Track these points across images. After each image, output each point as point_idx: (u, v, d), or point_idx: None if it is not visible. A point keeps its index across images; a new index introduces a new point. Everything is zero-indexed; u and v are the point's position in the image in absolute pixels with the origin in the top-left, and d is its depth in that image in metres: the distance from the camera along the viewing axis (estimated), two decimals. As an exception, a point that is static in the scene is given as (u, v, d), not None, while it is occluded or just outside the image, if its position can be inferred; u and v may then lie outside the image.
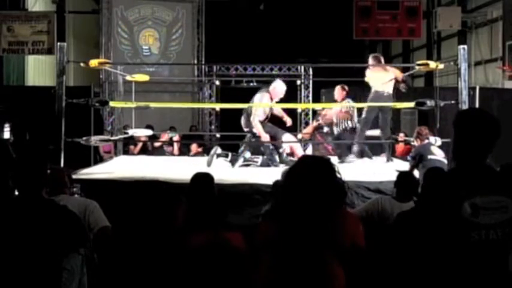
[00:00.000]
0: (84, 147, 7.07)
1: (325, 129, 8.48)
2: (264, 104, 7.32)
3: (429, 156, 6.14)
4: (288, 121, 7.59)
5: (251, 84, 13.37)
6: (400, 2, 14.03)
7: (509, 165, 3.80)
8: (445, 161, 6.04)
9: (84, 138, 6.58)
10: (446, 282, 2.07)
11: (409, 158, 6.82)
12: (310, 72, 13.12)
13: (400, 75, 7.80)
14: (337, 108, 7.94)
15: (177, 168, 7.07)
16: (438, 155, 6.19)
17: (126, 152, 9.56)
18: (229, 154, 7.21)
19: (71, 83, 13.09)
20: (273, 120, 7.55)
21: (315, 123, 9.12)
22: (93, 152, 9.05)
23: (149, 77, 9.00)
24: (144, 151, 9.99)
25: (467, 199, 2.03)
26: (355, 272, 2.50)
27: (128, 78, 8.62)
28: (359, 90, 9.07)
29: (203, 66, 13.66)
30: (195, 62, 13.60)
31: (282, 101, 7.65)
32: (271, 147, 7.25)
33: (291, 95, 12.57)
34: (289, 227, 2.45)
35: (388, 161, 7.75)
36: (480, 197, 2.04)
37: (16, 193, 2.86)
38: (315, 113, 10.02)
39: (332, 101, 8.53)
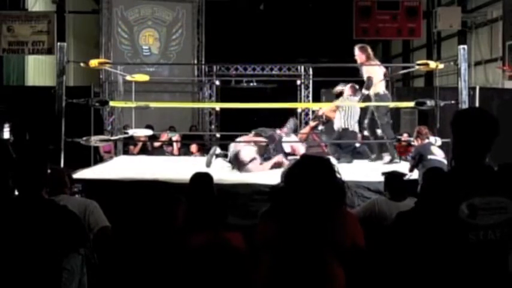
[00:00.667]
0: (84, 147, 7.07)
1: (320, 127, 8.48)
2: (264, 104, 7.29)
3: (429, 156, 6.13)
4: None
5: (251, 84, 13.40)
6: (400, 2, 14.04)
7: (506, 165, 3.79)
8: (445, 161, 6.02)
9: (84, 138, 6.57)
10: (445, 283, 2.07)
11: (409, 157, 6.80)
12: (310, 72, 13.13)
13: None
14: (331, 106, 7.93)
15: (177, 168, 7.07)
16: (438, 155, 6.17)
17: (126, 152, 9.56)
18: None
19: (71, 83, 13.09)
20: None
21: (312, 124, 9.13)
22: (93, 152, 9.05)
23: (149, 77, 9.00)
24: (144, 151, 9.99)
25: (464, 200, 2.03)
26: (355, 272, 2.50)
27: (128, 78, 8.61)
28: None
29: (203, 66, 13.67)
30: (195, 62, 13.61)
31: (282, 101, 7.63)
32: None
33: (291, 95, 12.62)
34: (289, 227, 2.45)
35: (391, 161, 7.46)
36: (478, 198, 2.03)
37: (16, 193, 2.86)
38: (314, 113, 10.03)
39: (332, 101, 8.52)
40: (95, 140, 6.81)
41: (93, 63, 6.83)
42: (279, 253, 2.45)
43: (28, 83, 14.12)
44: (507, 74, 11.88)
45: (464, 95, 6.19)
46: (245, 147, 6.79)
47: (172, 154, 10.19)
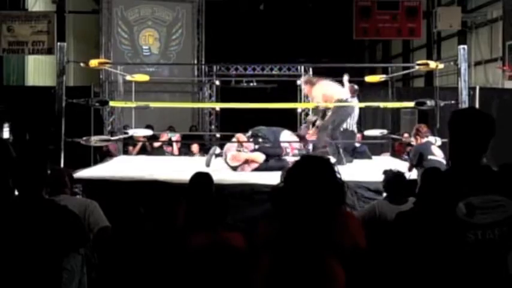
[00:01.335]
0: (84, 147, 7.07)
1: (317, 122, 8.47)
2: (264, 104, 7.30)
3: (429, 157, 6.08)
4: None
5: (251, 84, 13.39)
6: (400, 2, 14.04)
7: (507, 165, 3.80)
8: (444, 162, 6.00)
9: (84, 138, 6.58)
10: (445, 283, 2.07)
11: (406, 157, 6.75)
12: (310, 72, 13.11)
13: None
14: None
15: (176, 168, 7.07)
16: (438, 156, 6.13)
17: (126, 152, 9.56)
18: None
19: (71, 83, 13.09)
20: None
21: (311, 118, 9.10)
22: (93, 152, 9.04)
23: (149, 77, 9.00)
24: (144, 151, 9.98)
25: (462, 199, 2.02)
26: (355, 273, 2.50)
27: (128, 78, 8.61)
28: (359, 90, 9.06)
29: (203, 66, 13.67)
30: (195, 62, 13.61)
31: (282, 101, 7.62)
32: None
33: (291, 95, 12.62)
34: (289, 227, 2.45)
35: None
36: (476, 197, 2.03)
37: (16, 193, 2.86)
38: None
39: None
40: (95, 140, 6.82)
41: (93, 63, 6.84)
42: (279, 253, 2.45)
43: (28, 83, 14.13)
44: (507, 74, 11.89)
45: (464, 95, 6.19)
46: (231, 148, 6.90)
47: (172, 154, 10.18)
